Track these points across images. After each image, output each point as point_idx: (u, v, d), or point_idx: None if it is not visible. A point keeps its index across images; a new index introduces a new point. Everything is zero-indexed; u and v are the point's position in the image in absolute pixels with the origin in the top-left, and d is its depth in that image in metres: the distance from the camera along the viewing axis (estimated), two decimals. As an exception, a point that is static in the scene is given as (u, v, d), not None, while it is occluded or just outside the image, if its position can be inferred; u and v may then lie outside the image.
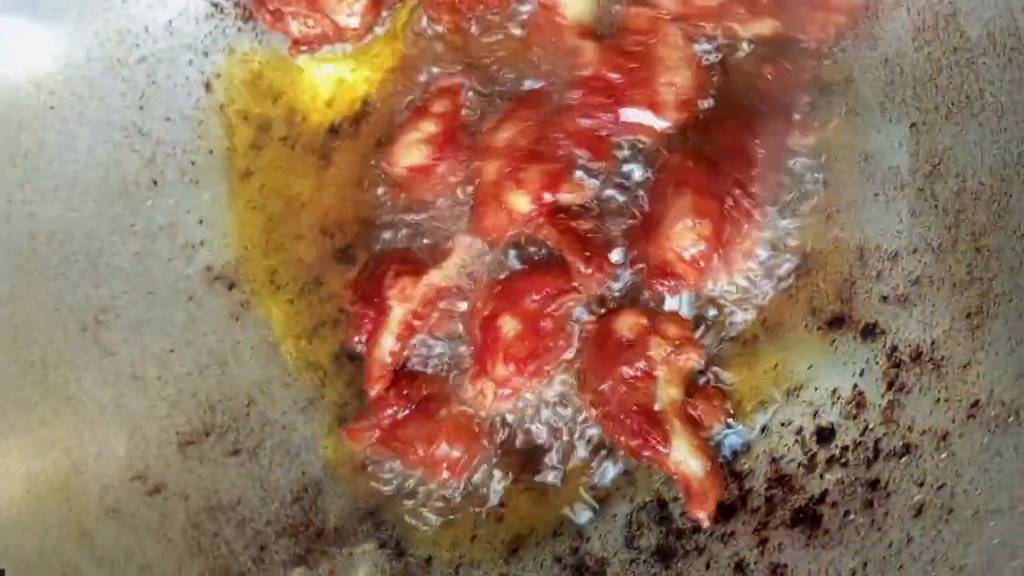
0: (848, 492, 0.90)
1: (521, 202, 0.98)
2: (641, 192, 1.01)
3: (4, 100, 1.15)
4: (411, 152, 1.07)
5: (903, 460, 0.87)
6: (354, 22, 1.14)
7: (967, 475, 0.81)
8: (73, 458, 1.12)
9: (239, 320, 1.18)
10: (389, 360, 1.07)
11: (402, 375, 1.08)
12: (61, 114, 1.18)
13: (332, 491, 1.13)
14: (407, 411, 1.06)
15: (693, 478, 0.94)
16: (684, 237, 0.94)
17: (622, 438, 0.96)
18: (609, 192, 1.03)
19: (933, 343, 0.89)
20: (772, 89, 0.97)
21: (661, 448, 0.94)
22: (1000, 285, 0.84)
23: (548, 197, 0.98)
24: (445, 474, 1.05)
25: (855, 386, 0.94)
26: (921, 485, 0.85)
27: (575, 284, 0.99)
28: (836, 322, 0.97)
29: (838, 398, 0.95)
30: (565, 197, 0.98)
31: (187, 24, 1.20)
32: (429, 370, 1.09)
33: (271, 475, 1.14)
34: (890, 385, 0.91)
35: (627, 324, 0.99)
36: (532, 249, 1.06)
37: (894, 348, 0.92)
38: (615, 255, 1.01)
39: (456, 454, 1.04)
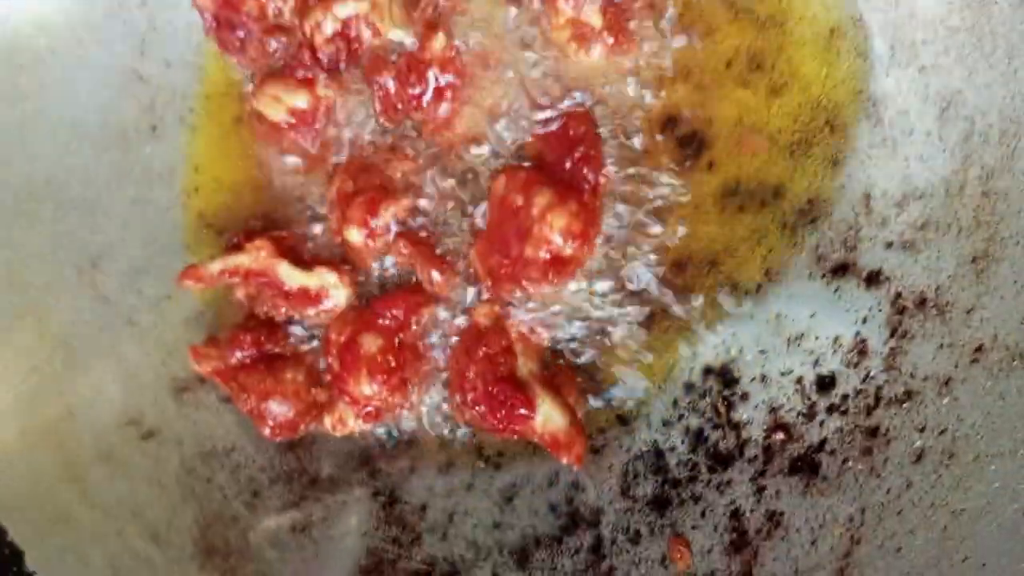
0: (847, 440, 0.89)
1: (354, 235, 1.04)
2: (476, 209, 1.05)
3: (5, 42, 1.13)
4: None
5: (904, 407, 0.86)
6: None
7: (969, 420, 0.80)
8: (67, 403, 1.11)
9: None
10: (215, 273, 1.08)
11: (266, 325, 1.09)
12: (61, 58, 1.17)
13: (327, 440, 1.11)
14: (255, 358, 1.07)
15: (559, 431, 0.97)
16: (559, 221, 0.95)
17: (491, 420, 0.99)
18: (446, 213, 1.06)
19: (938, 288, 0.87)
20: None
21: (526, 412, 0.97)
22: (1007, 228, 0.83)
23: (376, 222, 1.04)
24: (267, 431, 1.06)
25: (857, 334, 0.92)
26: (922, 431, 0.83)
27: (430, 292, 1.05)
28: (840, 270, 0.95)
29: (839, 346, 0.93)
30: (387, 215, 1.04)
31: (189, -32, 1.18)
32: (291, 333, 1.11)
33: (265, 423, 1.13)
34: (893, 332, 0.90)
35: (483, 312, 1.03)
36: (385, 275, 1.09)
37: (898, 295, 0.91)
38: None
39: (285, 415, 1.06)
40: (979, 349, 0.82)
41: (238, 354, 1.07)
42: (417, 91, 1.03)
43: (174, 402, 1.13)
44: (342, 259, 1.08)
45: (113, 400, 1.12)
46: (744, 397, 0.98)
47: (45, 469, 1.08)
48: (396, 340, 1.04)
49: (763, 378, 0.98)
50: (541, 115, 1.02)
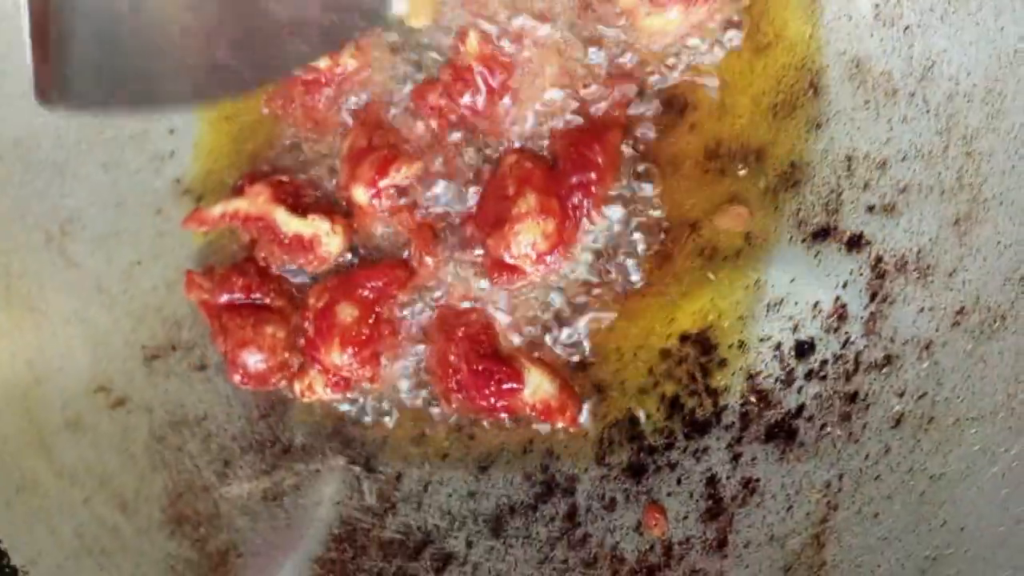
0: (826, 405, 0.88)
1: (360, 194, 1.02)
2: (471, 190, 1.03)
3: (-31, 1, 1.10)
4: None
5: (884, 371, 0.85)
6: None
7: (949, 383, 0.79)
8: (35, 370, 1.09)
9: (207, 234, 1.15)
10: (217, 216, 1.07)
11: (261, 273, 1.08)
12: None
13: (300, 408, 1.10)
14: (242, 304, 1.06)
15: (549, 397, 0.98)
16: (528, 234, 0.95)
17: (480, 401, 0.99)
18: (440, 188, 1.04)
19: (919, 252, 0.86)
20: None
21: (515, 385, 0.97)
22: (990, 189, 0.82)
23: (384, 182, 1.01)
24: (237, 378, 1.05)
25: (837, 298, 0.91)
26: (901, 395, 0.82)
27: (416, 272, 1.03)
28: (821, 234, 0.94)
29: (819, 312, 0.92)
30: (398, 177, 1.01)
31: (160, -78, 1.15)
32: (286, 291, 1.09)
33: (238, 391, 1.11)
34: (873, 296, 0.89)
35: (458, 294, 1.03)
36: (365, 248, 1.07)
37: (879, 259, 0.89)
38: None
39: (256, 367, 1.05)
40: (960, 312, 0.81)
41: (226, 296, 1.06)
42: (469, 100, 1.01)
43: (144, 369, 1.11)
44: (345, 212, 1.07)
45: (81, 367, 1.10)
46: (722, 364, 0.97)
47: (11, 436, 1.07)
48: (373, 313, 1.02)
49: (741, 344, 0.96)
50: (570, 113, 1.00)
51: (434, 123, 1.03)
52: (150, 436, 1.09)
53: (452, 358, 1.00)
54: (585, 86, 1.00)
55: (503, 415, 1.00)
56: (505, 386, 0.98)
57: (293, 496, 1.07)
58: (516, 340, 1.01)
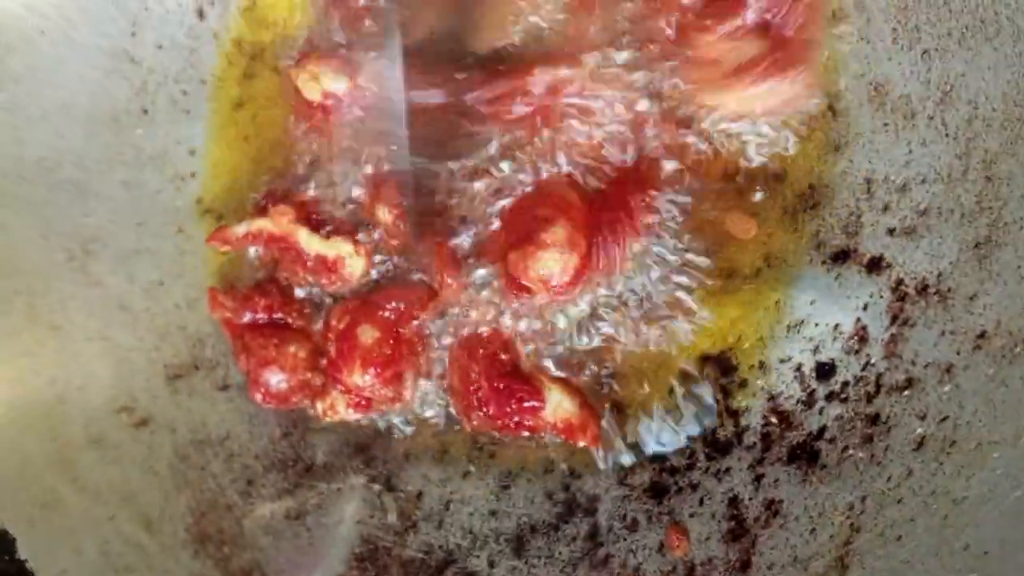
0: (847, 428, 0.88)
1: (384, 214, 1.03)
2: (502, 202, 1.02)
3: (-7, 23, 1.11)
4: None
5: (905, 394, 0.85)
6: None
7: (970, 407, 0.79)
8: (58, 388, 1.10)
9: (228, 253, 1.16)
10: (240, 235, 1.08)
11: (282, 292, 1.09)
12: (51, 38, 1.14)
13: (322, 427, 1.10)
14: (264, 323, 1.07)
15: (571, 415, 0.98)
16: (549, 264, 0.95)
17: (501, 418, 0.99)
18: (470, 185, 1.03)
19: (940, 275, 0.86)
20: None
21: (536, 404, 0.97)
22: (1010, 213, 0.82)
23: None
24: (259, 397, 1.06)
25: (858, 320, 0.91)
26: (923, 419, 0.83)
27: (437, 293, 1.03)
28: (841, 256, 0.94)
29: (840, 333, 0.93)
30: None
31: (181, -52, 1.16)
32: (307, 311, 1.10)
33: (260, 410, 1.12)
34: (894, 319, 0.89)
35: (479, 314, 1.03)
36: (388, 267, 1.07)
37: (899, 281, 0.90)
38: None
39: (278, 387, 1.06)
40: (982, 336, 0.81)
41: (248, 315, 1.07)
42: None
43: (167, 388, 1.12)
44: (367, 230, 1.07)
45: (105, 386, 1.11)
46: (742, 384, 0.97)
47: (36, 455, 1.07)
48: (394, 334, 1.03)
49: (761, 365, 0.97)
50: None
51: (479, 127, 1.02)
52: (174, 455, 1.09)
53: (473, 375, 1.00)
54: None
55: (524, 433, 1.01)
56: (526, 404, 0.98)
57: (315, 515, 1.08)
58: (536, 359, 1.01)
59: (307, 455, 1.10)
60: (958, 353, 0.83)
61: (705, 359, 0.99)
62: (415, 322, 1.04)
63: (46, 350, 1.10)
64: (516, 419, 0.99)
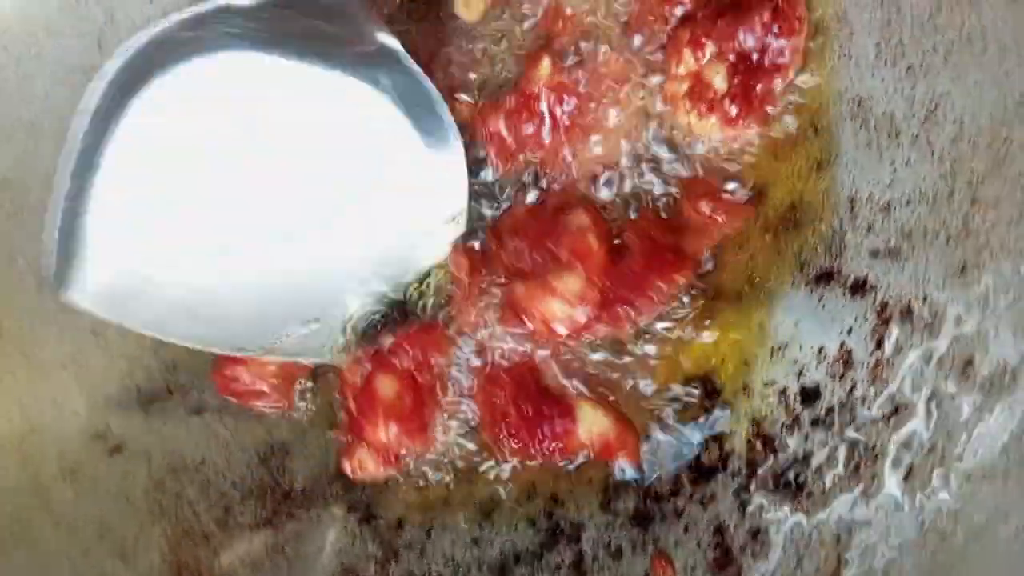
0: (833, 454, 0.87)
1: None
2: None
3: (-45, 40, 1.08)
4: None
5: (891, 421, 0.84)
6: None
7: (959, 437, 0.78)
8: (30, 417, 1.08)
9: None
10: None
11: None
12: (15, 54, 1.12)
13: (300, 453, 1.09)
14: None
15: (606, 432, 0.93)
16: (554, 310, 0.91)
17: (534, 445, 0.94)
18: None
19: (925, 298, 0.85)
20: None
21: (567, 423, 0.93)
22: (997, 237, 0.80)
23: None
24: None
25: (842, 344, 0.90)
26: (909, 447, 0.81)
27: (455, 327, 0.99)
28: (824, 277, 0.93)
29: (824, 357, 0.91)
30: None
31: (145, -42, 1.13)
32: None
33: (236, 436, 1.10)
34: (879, 343, 0.88)
35: (497, 342, 0.99)
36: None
37: (884, 304, 0.88)
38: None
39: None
40: (969, 363, 0.80)
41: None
42: (531, 129, 0.95)
43: (141, 414, 1.10)
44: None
45: (78, 413, 1.09)
46: (725, 408, 0.96)
47: (8, 487, 1.05)
48: (413, 382, 0.99)
49: (745, 388, 0.95)
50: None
51: (492, 153, 0.97)
52: (149, 482, 1.08)
53: (499, 400, 0.96)
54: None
55: (559, 458, 0.97)
56: (558, 427, 0.94)
57: (295, 544, 1.06)
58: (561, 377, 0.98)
59: (286, 481, 1.08)
60: (945, 380, 0.82)
61: (687, 381, 0.98)
62: (433, 365, 1.00)
63: (16, 378, 1.08)
64: (549, 444, 0.94)
